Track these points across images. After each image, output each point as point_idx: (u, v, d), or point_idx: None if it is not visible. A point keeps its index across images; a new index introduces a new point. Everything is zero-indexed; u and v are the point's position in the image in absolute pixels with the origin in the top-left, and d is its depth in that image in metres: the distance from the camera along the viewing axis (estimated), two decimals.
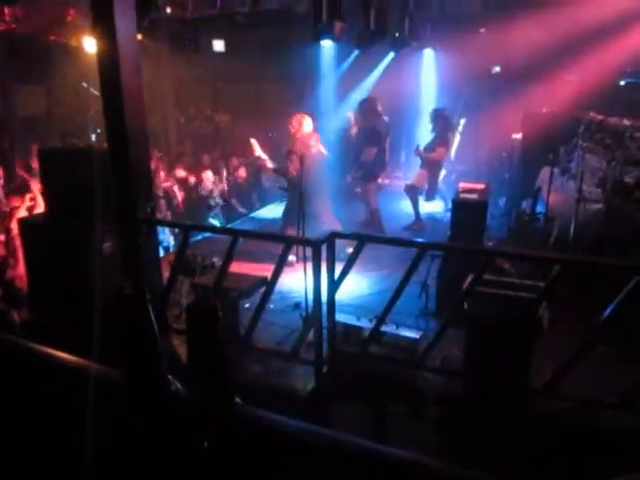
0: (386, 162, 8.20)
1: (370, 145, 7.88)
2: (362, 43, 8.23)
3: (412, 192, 8.23)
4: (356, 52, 10.74)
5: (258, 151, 6.82)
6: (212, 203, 9.38)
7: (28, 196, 6.98)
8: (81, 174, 4.69)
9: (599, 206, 5.86)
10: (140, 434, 1.33)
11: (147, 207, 4.62)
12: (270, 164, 6.91)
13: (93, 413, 1.36)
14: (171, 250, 7.68)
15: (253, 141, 6.89)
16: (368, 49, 8.49)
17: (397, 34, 8.91)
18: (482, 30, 10.26)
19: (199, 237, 7.08)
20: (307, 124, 6.74)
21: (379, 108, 8.08)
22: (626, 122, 6.61)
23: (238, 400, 1.40)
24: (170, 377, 1.34)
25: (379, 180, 8.72)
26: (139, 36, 4.51)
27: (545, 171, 6.79)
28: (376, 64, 11.47)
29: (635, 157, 6.11)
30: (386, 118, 8.25)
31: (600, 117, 7.02)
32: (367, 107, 8.08)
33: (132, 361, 1.31)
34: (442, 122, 8.32)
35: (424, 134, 9.14)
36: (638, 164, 6.13)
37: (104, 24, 4.13)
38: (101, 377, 1.56)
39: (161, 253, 5.41)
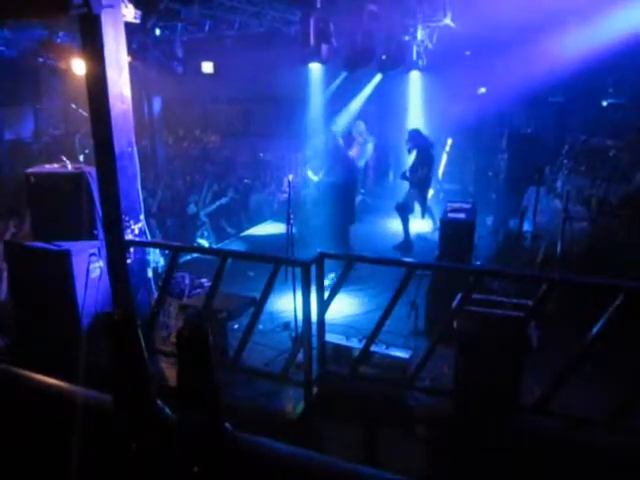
0: (357, 189, 8.25)
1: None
2: (350, 65, 8.34)
3: (403, 211, 8.29)
4: (344, 74, 10.88)
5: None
6: (198, 223, 9.39)
7: (12, 222, 6.91)
8: (68, 196, 4.68)
9: (585, 224, 5.93)
10: (128, 460, 1.31)
11: (135, 228, 4.60)
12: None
13: (80, 439, 1.35)
14: (160, 271, 7.64)
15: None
16: (356, 71, 8.60)
17: (384, 56, 9.05)
18: (467, 53, 10.44)
19: (188, 257, 7.05)
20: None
21: (360, 128, 8.23)
22: (609, 142, 6.74)
23: (227, 426, 1.38)
24: (159, 402, 1.33)
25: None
26: (128, 58, 4.53)
27: (531, 190, 6.87)
28: (364, 85, 11.61)
29: (619, 176, 6.22)
30: (369, 139, 8.40)
31: (584, 137, 7.14)
32: (336, 143, 8.00)
33: (120, 386, 1.30)
34: (417, 142, 8.42)
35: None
36: (621, 183, 6.24)
37: (93, 46, 4.15)
38: (88, 403, 1.54)
39: (150, 274, 5.37)
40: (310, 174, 6.68)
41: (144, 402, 1.23)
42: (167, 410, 1.29)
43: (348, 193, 7.51)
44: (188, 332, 1.23)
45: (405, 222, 8.28)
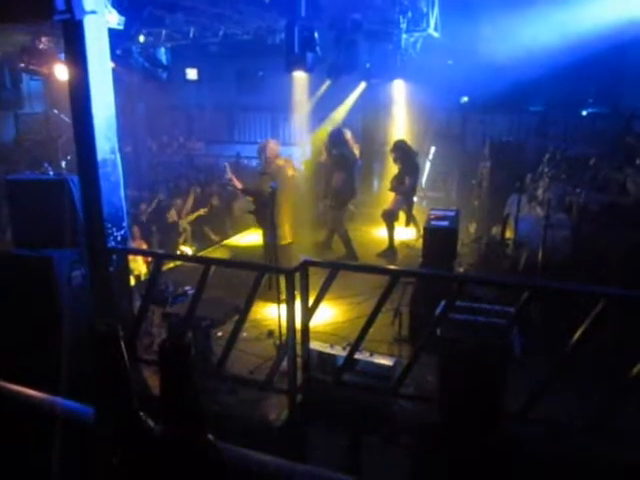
0: (355, 188, 8.36)
1: (338, 171, 8.03)
2: (334, 73, 8.39)
3: (389, 218, 8.35)
4: (328, 82, 10.93)
5: (229, 174, 6.96)
6: (180, 229, 9.35)
7: None
8: (50, 203, 4.62)
9: (566, 232, 6.00)
10: (111, 473, 1.30)
11: (118, 235, 4.56)
12: (240, 185, 7.02)
13: (62, 451, 1.33)
14: (143, 278, 7.57)
15: (226, 164, 7.06)
16: (340, 79, 8.65)
17: (368, 65, 9.11)
18: (450, 62, 10.56)
19: (171, 264, 7.00)
20: (276, 148, 6.92)
21: (348, 137, 8.34)
22: (589, 151, 6.84)
23: (211, 437, 1.37)
24: (142, 414, 1.32)
25: (351, 206, 8.88)
26: (112, 64, 4.51)
27: (513, 198, 6.95)
28: (348, 93, 11.67)
29: (599, 184, 6.32)
30: (356, 147, 8.46)
31: (564, 146, 7.25)
32: (336, 136, 8.37)
33: (102, 398, 1.28)
34: (403, 153, 8.54)
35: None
36: (602, 191, 6.34)
37: (76, 52, 4.13)
38: (70, 414, 1.52)
39: (132, 281, 5.33)
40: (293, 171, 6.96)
41: (127, 414, 1.22)
42: (150, 422, 1.28)
43: None
44: (170, 344, 1.22)
45: (391, 229, 8.33)
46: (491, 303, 4.20)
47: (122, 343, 1.24)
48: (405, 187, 8.40)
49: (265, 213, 6.07)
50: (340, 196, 8.10)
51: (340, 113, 11.76)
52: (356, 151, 9.08)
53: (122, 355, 1.22)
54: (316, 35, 7.62)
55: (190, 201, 10.41)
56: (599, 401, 3.67)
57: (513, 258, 6.23)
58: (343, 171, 8.04)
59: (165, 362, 1.22)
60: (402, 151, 8.53)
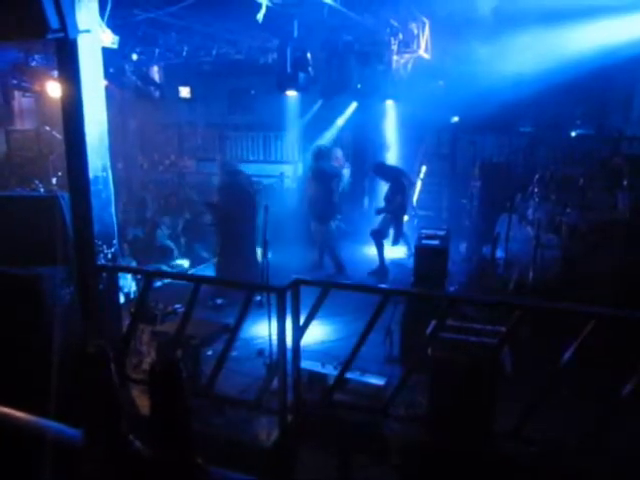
0: (335, 203, 8.48)
1: (315, 183, 8.27)
2: (326, 93, 8.48)
3: (378, 237, 8.38)
4: (320, 101, 11.03)
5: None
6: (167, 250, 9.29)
7: None
8: (40, 220, 4.60)
9: (556, 252, 6.05)
10: None
11: (108, 253, 4.53)
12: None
13: (50, 474, 1.30)
14: (132, 296, 7.51)
15: None
16: (332, 99, 8.76)
17: (359, 85, 9.20)
18: (441, 82, 10.69)
19: (159, 283, 6.95)
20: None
21: (337, 155, 8.74)
22: (577, 171, 6.92)
23: (200, 461, 1.35)
24: (131, 436, 1.30)
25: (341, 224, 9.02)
26: (105, 82, 4.52)
27: (503, 218, 7.00)
28: (340, 113, 11.78)
29: (587, 204, 6.38)
30: (345, 165, 8.68)
31: (553, 167, 7.33)
32: (316, 151, 8.67)
33: (91, 420, 1.26)
34: (386, 174, 8.69)
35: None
36: (591, 210, 6.40)
37: (70, 70, 4.14)
38: (59, 437, 1.49)
39: (122, 299, 5.27)
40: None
41: (116, 437, 1.20)
42: (138, 444, 1.26)
43: None
44: (161, 368, 1.21)
45: (380, 248, 8.35)
46: (482, 322, 4.21)
47: (112, 365, 1.22)
48: (395, 205, 8.48)
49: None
50: (318, 208, 8.20)
51: (331, 132, 11.85)
52: (345, 170, 9.21)
53: (111, 377, 1.21)
54: (308, 55, 7.72)
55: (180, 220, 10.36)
56: (587, 420, 3.67)
57: (504, 277, 6.26)
58: (320, 183, 8.23)
59: (155, 385, 1.20)
60: (382, 173, 8.73)
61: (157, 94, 10.21)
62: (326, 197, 8.18)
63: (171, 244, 9.34)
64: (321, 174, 8.26)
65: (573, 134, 11.47)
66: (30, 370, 4.04)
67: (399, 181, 8.62)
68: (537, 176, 7.43)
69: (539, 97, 9.53)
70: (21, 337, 4.49)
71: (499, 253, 6.72)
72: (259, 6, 5.93)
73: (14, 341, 4.52)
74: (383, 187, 9.06)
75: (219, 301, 6.56)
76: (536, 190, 7.14)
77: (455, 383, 3.80)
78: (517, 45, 8.56)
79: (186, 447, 1.28)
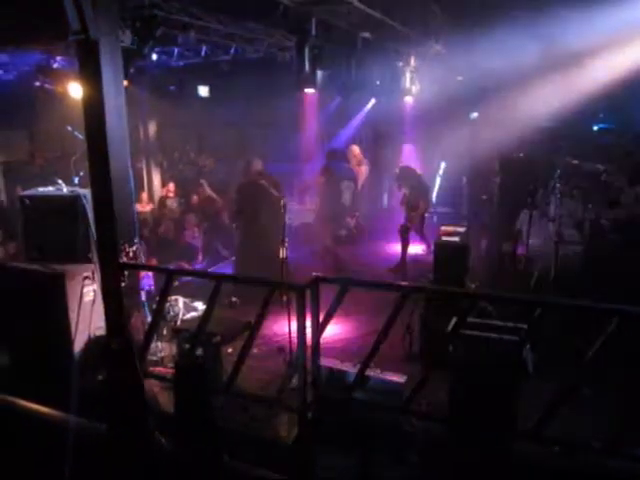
0: (342, 203, 8.56)
1: (322, 179, 8.52)
2: (344, 91, 8.47)
3: (405, 232, 8.41)
4: (339, 98, 11.01)
5: (208, 191, 7.16)
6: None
7: (11, 245, 6.90)
8: (63, 218, 4.68)
9: (578, 248, 5.96)
10: None
11: (130, 251, 4.59)
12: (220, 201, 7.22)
13: (74, 469, 1.32)
14: (153, 294, 7.59)
15: (203, 181, 7.31)
16: (350, 96, 8.78)
17: (378, 82, 9.17)
18: (460, 78, 10.59)
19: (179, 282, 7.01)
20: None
21: (355, 153, 9.30)
22: (600, 166, 6.82)
23: (226, 457, 1.37)
24: (156, 432, 1.31)
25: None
26: (125, 82, 4.57)
27: (524, 214, 6.92)
28: (358, 110, 11.76)
29: (610, 200, 6.28)
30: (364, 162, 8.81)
31: (575, 162, 7.23)
32: (329, 151, 9.21)
33: (117, 416, 1.28)
34: (410, 178, 8.69)
35: None
36: (613, 206, 6.30)
37: (91, 71, 4.19)
38: (83, 432, 1.52)
39: (143, 297, 5.34)
40: None
41: (141, 432, 1.22)
42: (163, 440, 1.27)
43: None
44: (185, 363, 1.22)
45: (405, 244, 8.35)
46: (504, 319, 4.17)
47: (136, 359, 1.24)
48: (421, 210, 8.57)
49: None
50: (326, 208, 8.34)
51: (350, 129, 11.84)
52: (363, 167, 9.28)
53: (136, 371, 1.22)
54: (326, 53, 7.70)
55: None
56: (615, 418, 3.61)
57: (525, 274, 6.19)
58: (325, 181, 8.51)
59: (180, 381, 1.22)
60: (407, 178, 8.74)
61: (177, 93, 10.28)
62: (326, 196, 8.34)
63: (195, 243, 9.43)
64: (327, 173, 8.47)
65: (595, 128, 11.29)
66: (55, 366, 4.12)
67: (423, 184, 8.77)
68: (558, 171, 7.33)
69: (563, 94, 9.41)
70: (46, 334, 4.58)
71: (520, 249, 6.65)
72: (277, 5, 5.94)
73: (40, 337, 4.61)
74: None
75: (234, 299, 6.60)
76: (558, 186, 7.04)
77: (476, 381, 3.76)
78: (536, 37, 8.46)
79: (212, 443, 1.29)
